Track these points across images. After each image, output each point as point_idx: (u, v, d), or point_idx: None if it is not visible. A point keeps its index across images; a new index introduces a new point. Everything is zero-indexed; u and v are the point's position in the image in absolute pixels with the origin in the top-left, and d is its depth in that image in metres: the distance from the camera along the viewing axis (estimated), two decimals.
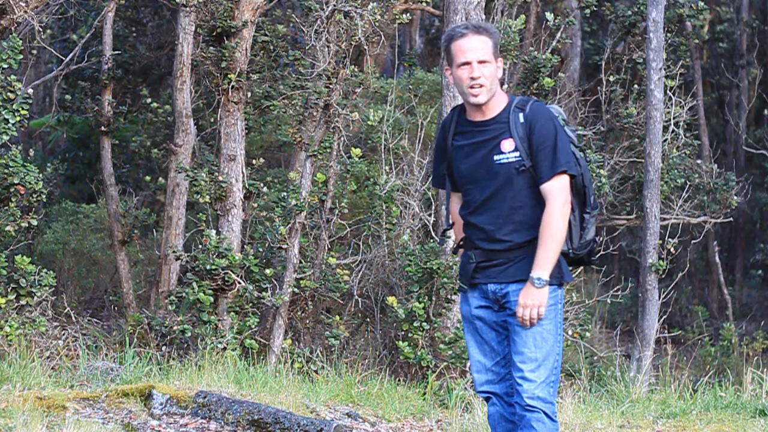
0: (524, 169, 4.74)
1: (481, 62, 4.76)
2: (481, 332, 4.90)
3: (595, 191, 5.07)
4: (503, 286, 4.81)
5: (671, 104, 10.47)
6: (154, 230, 12.29)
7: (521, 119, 4.76)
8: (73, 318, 9.79)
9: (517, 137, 4.75)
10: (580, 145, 4.95)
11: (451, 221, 5.07)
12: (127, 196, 11.08)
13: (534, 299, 4.69)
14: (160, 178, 11.97)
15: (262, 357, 8.76)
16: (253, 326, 8.77)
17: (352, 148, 9.33)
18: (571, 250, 4.84)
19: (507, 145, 4.76)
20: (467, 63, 4.76)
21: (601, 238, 9.99)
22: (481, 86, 4.75)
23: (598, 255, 5.29)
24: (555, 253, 4.70)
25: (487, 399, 4.97)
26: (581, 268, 8.83)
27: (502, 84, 4.99)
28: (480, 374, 4.93)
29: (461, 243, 4.98)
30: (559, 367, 4.80)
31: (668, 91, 10.43)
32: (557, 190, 4.71)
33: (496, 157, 4.77)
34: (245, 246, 9.38)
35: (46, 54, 14.90)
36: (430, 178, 9.88)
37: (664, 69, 10.08)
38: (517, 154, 4.74)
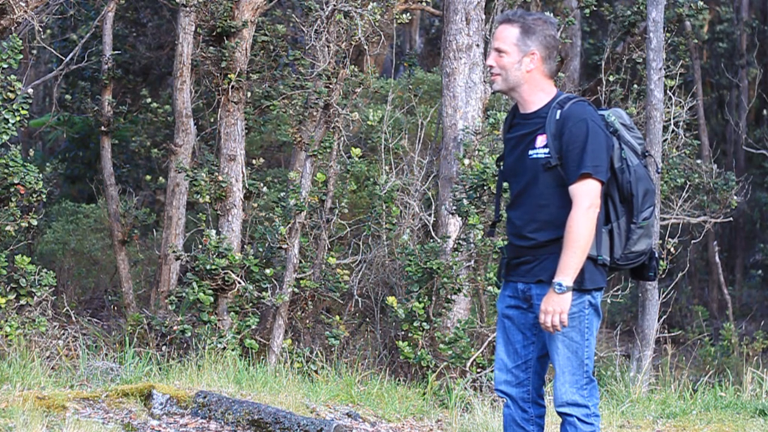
0: (550, 167, 4.64)
1: (497, 50, 4.76)
2: (508, 332, 4.87)
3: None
4: (530, 286, 4.75)
5: (671, 104, 10.45)
6: (154, 230, 12.30)
7: (557, 116, 4.67)
8: (73, 318, 9.79)
9: (550, 134, 4.65)
10: (643, 151, 4.75)
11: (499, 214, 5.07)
12: (127, 196, 11.08)
13: (555, 305, 4.58)
14: (160, 178, 11.99)
15: (262, 357, 8.75)
16: (253, 326, 8.76)
17: (352, 148, 9.32)
18: (600, 257, 4.66)
19: (540, 140, 4.69)
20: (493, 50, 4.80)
21: None
22: (495, 75, 4.76)
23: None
24: (578, 259, 4.56)
25: (503, 399, 4.96)
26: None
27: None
28: (501, 372, 4.90)
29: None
30: (590, 370, 4.71)
31: (668, 91, 10.41)
32: (581, 194, 4.58)
33: (530, 152, 4.72)
34: (245, 246, 9.38)
35: (46, 54, 14.90)
36: (429, 178, 9.89)
37: (664, 69, 10.06)
38: (546, 150, 4.66)
